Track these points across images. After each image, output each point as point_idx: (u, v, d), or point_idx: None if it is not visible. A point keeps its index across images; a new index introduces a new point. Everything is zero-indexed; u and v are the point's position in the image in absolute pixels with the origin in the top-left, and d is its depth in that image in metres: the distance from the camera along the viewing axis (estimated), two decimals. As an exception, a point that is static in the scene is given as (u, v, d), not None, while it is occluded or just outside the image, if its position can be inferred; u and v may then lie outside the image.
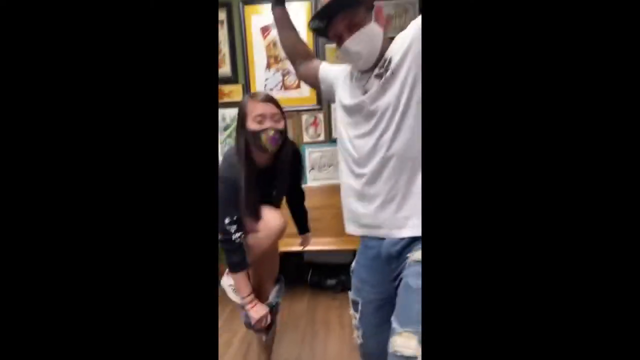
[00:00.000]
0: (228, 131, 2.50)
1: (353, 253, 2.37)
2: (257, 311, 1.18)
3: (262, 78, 2.41)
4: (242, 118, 1.09)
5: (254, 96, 1.11)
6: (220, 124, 2.48)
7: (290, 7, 2.31)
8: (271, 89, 2.40)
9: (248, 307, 1.17)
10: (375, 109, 0.87)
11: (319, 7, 0.88)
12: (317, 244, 2.24)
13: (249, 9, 2.35)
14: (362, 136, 0.89)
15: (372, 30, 0.86)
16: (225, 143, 2.50)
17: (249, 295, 1.17)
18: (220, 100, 2.44)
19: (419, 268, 0.79)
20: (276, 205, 1.24)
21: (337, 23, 0.87)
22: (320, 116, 2.40)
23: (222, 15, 2.36)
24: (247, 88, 2.42)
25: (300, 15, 2.32)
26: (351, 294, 1.06)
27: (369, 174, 0.88)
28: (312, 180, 2.44)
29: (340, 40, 0.89)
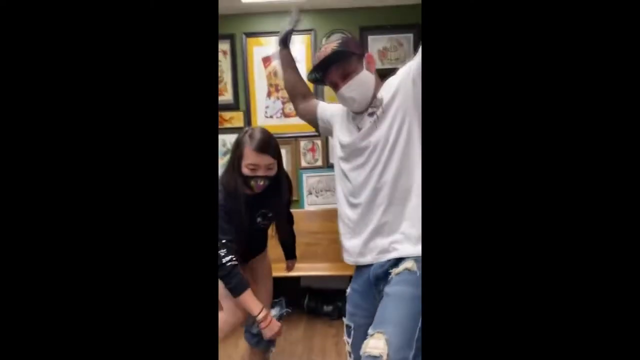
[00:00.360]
0: (227, 157, 2.55)
1: (350, 279, 2.36)
2: (272, 328, 1.15)
3: (263, 105, 2.49)
4: (237, 158, 1.10)
5: (251, 141, 1.08)
6: (221, 149, 2.54)
7: (293, 39, 2.41)
8: (271, 116, 2.47)
9: (262, 324, 1.12)
10: (367, 144, 0.95)
11: (316, 61, 0.98)
12: (314, 270, 2.24)
13: (251, 40, 2.46)
14: (356, 169, 0.98)
15: (364, 77, 0.96)
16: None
17: (261, 311, 1.12)
18: (221, 126, 2.51)
19: (398, 278, 0.85)
20: (264, 231, 1.28)
21: (332, 73, 0.97)
22: (318, 142, 2.46)
23: (225, 46, 2.47)
24: (248, 115, 2.50)
25: (300, 48, 2.44)
26: (345, 319, 1.07)
27: (363, 203, 0.95)
28: (309, 205, 2.47)
29: (336, 88, 0.99)
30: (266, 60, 2.47)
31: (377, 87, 0.99)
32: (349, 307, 1.06)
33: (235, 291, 1.10)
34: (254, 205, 1.16)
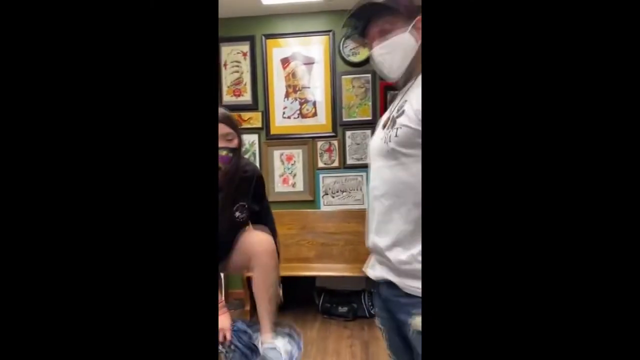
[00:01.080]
0: (246, 156, 2.59)
1: (365, 280, 2.35)
2: (220, 320, 1.07)
3: (281, 106, 2.52)
4: None
5: None
6: (239, 149, 2.58)
7: (311, 41, 2.43)
8: (289, 117, 2.50)
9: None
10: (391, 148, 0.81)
11: (355, 7, 0.82)
12: (329, 270, 2.24)
13: (270, 42, 2.49)
14: (376, 172, 0.89)
15: (402, 40, 0.79)
16: (243, 167, 2.58)
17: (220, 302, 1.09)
18: (241, 127, 2.55)
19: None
20: (242, 226, 1.17)
21: (371, 27, 0.82)
22: (335, 143, 2.47)
23: (245, 48, 2.51)
24: (266, 115, 2.53)
25: (318, 49, 2.45)
26: (376, 322, 1.05)
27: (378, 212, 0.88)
28: (325, 206, 2.47)
29: (371, 46, 0.84)
30: (285, 61, 2.49)
31: (418, 63, 0.80)
32: (376, 310, 1.03)
33: None
34: (228, 199, 1.11)
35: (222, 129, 1.07)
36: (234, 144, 1.10)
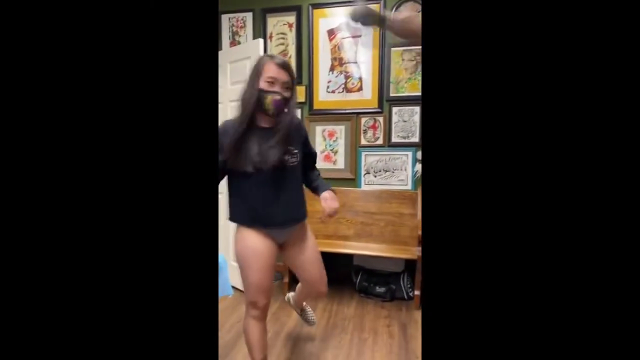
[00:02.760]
0: (289, 131, 2.57)
1: (405, 262, 2.28)
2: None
3: (325, 80, 2.44)
4: (255, 74, 1.12)
5: (273, 58, 1.13)
6: (282, 124, 2.57)
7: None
8: (333, 91, 2.42)
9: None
10: None
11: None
12: (368, 249, 2.21)
13: (317, 12, 2.39)
14: None
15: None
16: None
17: None
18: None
19: None
20: (279, 165, 1.16)
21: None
22: (381, 119, 2.37)
23: (291, 18, 2.44)
24: (310, 89, 2.47)
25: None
26: None
27: None
28: (366, 185, 2.41)
29: None
30: (331, 33, 2.39)
31: None
32: None
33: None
34: (262, 139, 1.14)
35: (282, 76, 1.11)
36: (288, 93, 1.14)
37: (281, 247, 1.29)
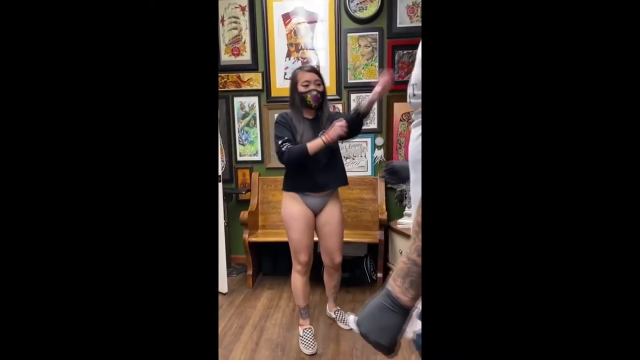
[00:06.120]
0: (246, 120, 2.49)
1: (368, 247, 2.33)
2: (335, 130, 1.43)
3: (282, 67, 2.39)
4: (294, 84, 1.53)
5: (302, 68, 1.53)
6: (239, 112, 2.48)
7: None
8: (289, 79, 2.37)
9: (338, 129, 1.43)
10: None
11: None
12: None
13: (270, -5, 2.31)
14: None
15: None
16: (243, 131, 2.50)
17: (326, 134, 1.47)
18: (239, 88, 2.44)
19: None
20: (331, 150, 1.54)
21: None
22: (339, 107, 2.36)
23: (243, 1, 2.34)
24: (267, 76, 2.40)
25: (323, 3, 2.27)
26: None
27: None
28: (328, 172, 2.42)
29: None
30: (286, 17, 2.33)
31: None
32: None
33: (301, 150, 1.45)
34: (311, 127, 1.53)
35: (313, 77, 1.50)
36: (321, 88, 1.53)
37: (316, 215, 1.61)
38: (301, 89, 1.49)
